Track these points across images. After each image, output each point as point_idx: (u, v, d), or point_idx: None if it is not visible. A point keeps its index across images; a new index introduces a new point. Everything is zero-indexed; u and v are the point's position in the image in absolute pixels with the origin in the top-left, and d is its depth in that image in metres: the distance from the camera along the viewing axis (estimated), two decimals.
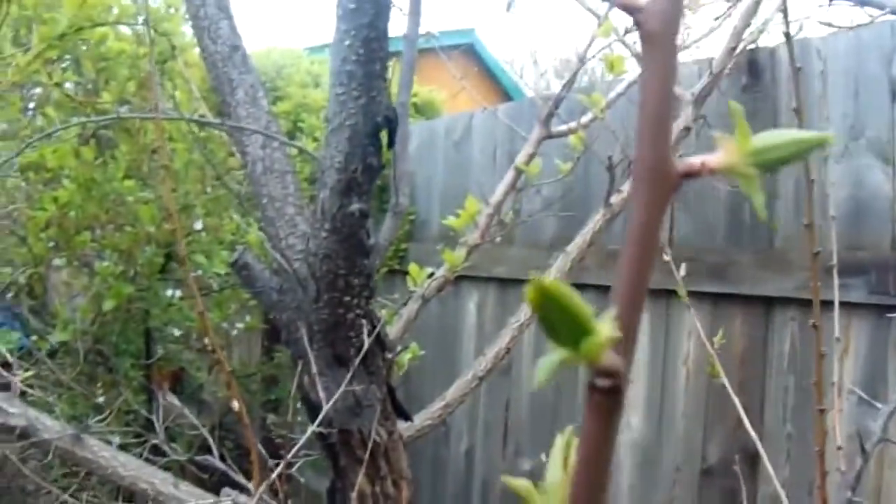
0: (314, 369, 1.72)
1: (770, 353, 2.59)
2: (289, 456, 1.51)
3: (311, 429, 1.57)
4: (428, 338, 3.14)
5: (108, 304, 3.00)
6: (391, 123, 1.58)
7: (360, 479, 1.79)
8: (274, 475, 1.45)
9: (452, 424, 3.75)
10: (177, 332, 3.26)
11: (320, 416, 1.64)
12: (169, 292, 3.16)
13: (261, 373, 3.73)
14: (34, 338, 3.20)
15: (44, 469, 3.26)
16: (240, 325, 3.35)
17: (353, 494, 1.81)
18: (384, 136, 1.58)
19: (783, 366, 2.56)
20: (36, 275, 3.48)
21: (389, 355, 1.85)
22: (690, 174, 0.32)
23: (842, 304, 2.24)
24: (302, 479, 3.31)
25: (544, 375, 0.30)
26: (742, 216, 2.69)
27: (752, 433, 1.30)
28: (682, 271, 1.48)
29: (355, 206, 1.56)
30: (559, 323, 0.30)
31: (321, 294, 1.66)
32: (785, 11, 1.32)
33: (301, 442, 1.50)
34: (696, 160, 0.32)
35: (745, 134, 0.32)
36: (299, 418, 3.26)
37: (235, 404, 1.96)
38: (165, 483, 1.91)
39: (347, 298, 1.67)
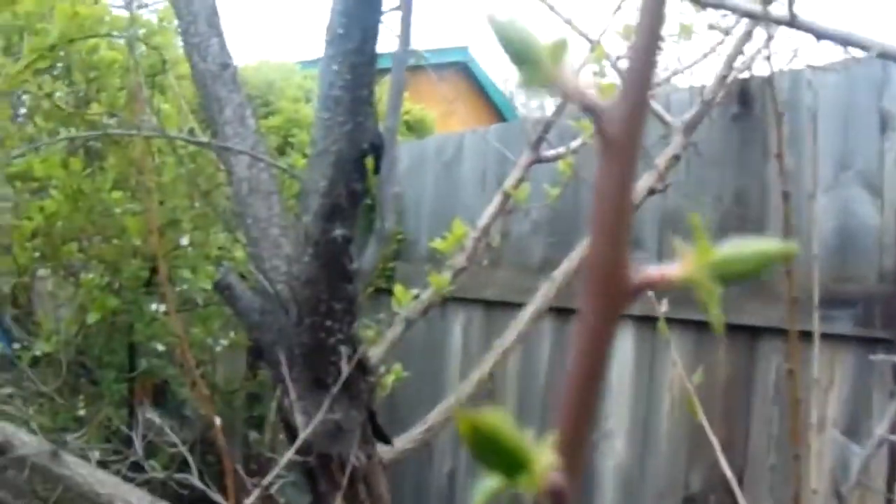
0: (294, 393, 1.71)
1: (755, 383, 2.59)
2: (265, 480, 1.50)
3: (288, 455, 1.56)
4: (413, 358, 3.12)
5: (92, 317, 2.99)
6: (377, 150, 1.57)
7: (338, 500, 1.77)
8: (249, 501, 1.44)
9: (436, 446, 3.73)
10: (160, 347, 3.24)
11: (298, 442, 1.63)
12: (154, 306, 3.14)
13: (244, 389, 3.71)
14: (17, 346, 3.19)
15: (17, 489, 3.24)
16: (224, 342, 3.34)
17: None
18: (370, 161, 1.58)
19: (768, 396, 2.55)
20: (20, 284, 3.46)
21: (371, 379, 1.84)
22: (647, 286, 0.31)
23: (827, 336, 2.24)
24: (282, 501, 3.29)
25: (482, 502, 0.29)
26: None
27: (728, 472, 1.29)
28: (664, 306, 1.47)
29: (338, 232, 1.55)
30: (494, 457, 0.29)
31: (303, 318, 1.66)
32: (769, 55, 1.31)
33: (278, 467, 1.48)
34: (654, 271, 0.31)
35: (706, 246, 0.31)
36: (281, 436, 3.25)
37: (217, 421, 1.95)
38: (142, 501, 1.89)
39: (329, 323, 1.66)
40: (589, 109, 0.30)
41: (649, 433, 2.87)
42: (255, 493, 1.38)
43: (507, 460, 0.29)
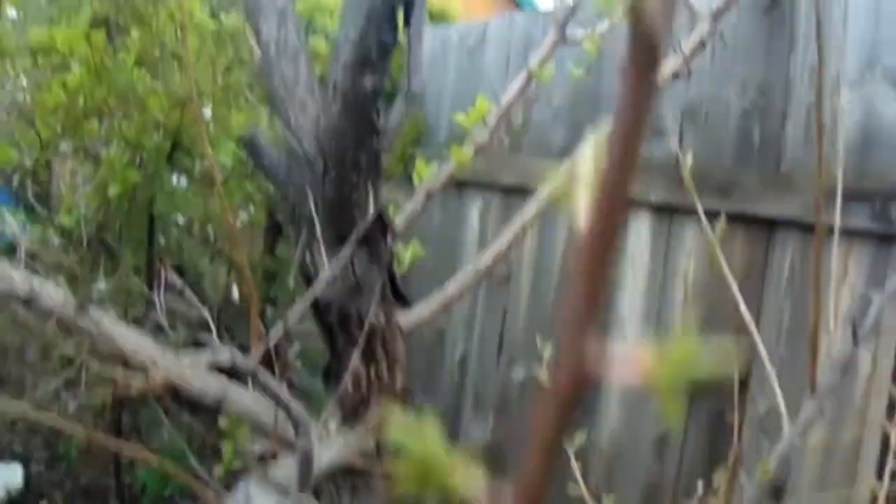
0: (315, 248, 1.73)
1: (769, 275, 2.60)
2: (288, 324, 1.53)
3: (306, 298, 1.59)
4: (429, 244, 3.12)
5: (113, 190, 3.01)
6: (408, 2, 1.57)
7: (356, 360, 1.81)
8: (273, 342, 1.47)
9: (448, 332, 3.78)
10: (180, 220, 3.27)
11: (315, 287, 1.65)
12: (174, 179, 3.16)
13: (262, 267, 3.74)
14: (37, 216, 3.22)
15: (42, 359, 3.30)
16: (244, 216, 3.36)
17: (348, 376, 1.83)
18: (400, 15, 1.58)
19: (781, 289, 2.57)
20: (42, 159, 3.48)
21: (391, 238, 1.85)
22: None
23: (844, 230, 2.25)
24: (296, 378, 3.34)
25: None
26: (751, 137, 2.69)
27: (766, 359, 1.31)
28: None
29: (367, 83, 1.56)
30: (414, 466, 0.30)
31: (328, 171, 1.67)
32: None
33: (300, 306, 1.51)
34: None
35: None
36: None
37: (235, 292, 1.97)
38: (165, 355, 1.91)
39: (354, 176, 1.67)
40: None
41: (662, 323, 2.90)
42: (277, 331, 1.40)
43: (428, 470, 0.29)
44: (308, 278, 1.81)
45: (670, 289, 2.88)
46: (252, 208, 3.38)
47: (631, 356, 0.29)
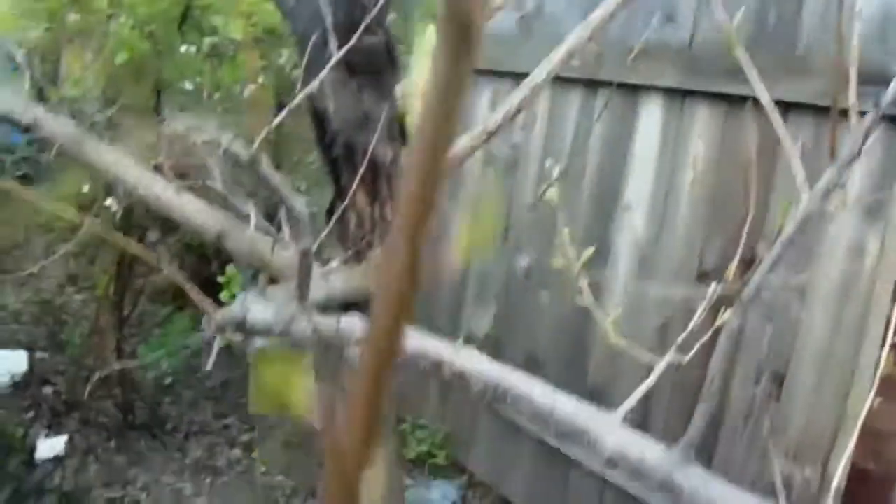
0: (324, 77, 1.70)
1: (780, 160, 2.58)
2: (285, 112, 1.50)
3: (299, 99, 1.56)
4: None
5: (120, 57, 2.97)
6: None
7: (359, 195, 1.79)
8: (273, 124, 1.44)
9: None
10: (188, 86, 3.24)
11: (314, 85, 1.63)
12: (184, 48, 3.13)
13: (267, 139, 3.70)
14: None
15: None
16: (252, 86, 3.33)
17: (352, 213, 1.82)
18: None
19: (791, 172, 2.55)
20: (50, 35, 3.45)
21: (399, 73, 1.83)
22: None
23: (859, 114, 2.22)
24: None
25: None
26: (767, 20, 2.65)
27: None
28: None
29: None
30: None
31: None
32: None
33: (291, 105, 1.48)
34: None
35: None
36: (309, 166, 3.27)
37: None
38: (166, 190, 1.89)
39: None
40: None
41: (668, 209, 2.88)
42: (275, 121, 1.37)
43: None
44: (317, 113, 1.78)
45: (679, 172, 2.86)
46: (261, 79, 3.35)
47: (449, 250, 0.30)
